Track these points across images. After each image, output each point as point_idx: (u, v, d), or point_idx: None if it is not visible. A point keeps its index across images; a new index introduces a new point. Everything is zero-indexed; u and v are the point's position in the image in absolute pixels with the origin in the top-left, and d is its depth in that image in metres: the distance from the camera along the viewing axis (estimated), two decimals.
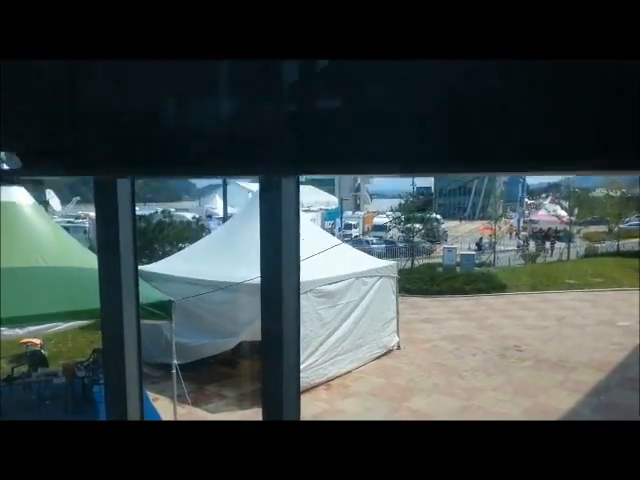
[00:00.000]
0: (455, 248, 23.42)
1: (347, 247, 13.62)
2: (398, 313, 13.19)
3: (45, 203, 29.40)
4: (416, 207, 57.81)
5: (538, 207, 70.47)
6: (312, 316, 10.49)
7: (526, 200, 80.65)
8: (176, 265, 12.08)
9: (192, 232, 16.25)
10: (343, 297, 11.38)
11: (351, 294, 11.60)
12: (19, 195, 9.09)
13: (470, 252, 23.78)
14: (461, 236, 40.13)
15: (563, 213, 35.94)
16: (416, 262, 25.14)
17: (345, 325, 11.38)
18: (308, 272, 9.32)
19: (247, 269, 8.90)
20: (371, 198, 66.93)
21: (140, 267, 8.61)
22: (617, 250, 30.59)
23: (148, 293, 8.42)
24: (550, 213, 37.43)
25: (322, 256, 10.86)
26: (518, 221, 36.60)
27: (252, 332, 9.62)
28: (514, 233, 37.29)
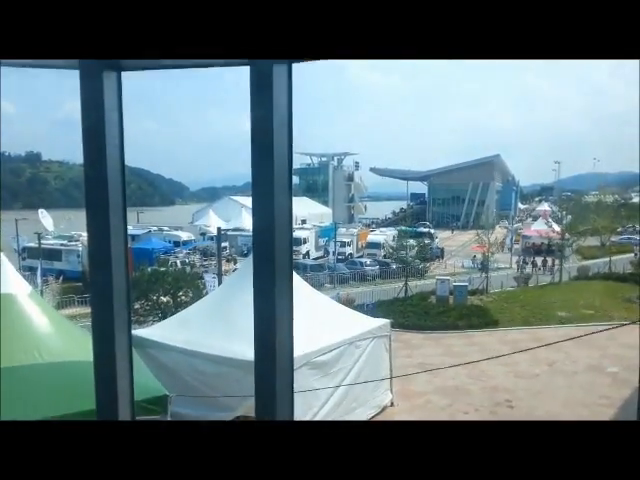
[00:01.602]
0: (448, 279, 23.58)
1: (340, 309, 13.68)
2: (391, 371, 13.34)
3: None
4: (410, 216, 57.86)
5: (531, 214, 71.03)
6: (305, 389, 10.62)
7: (519, 206, 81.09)
8: (172, 332, 12.17)
9: (187, 283, 16.28)
10: (336, 364, 11.51)
11: (344, 360, 11.72)
12: (16, 285, 9.11)
13: (463, 283, 23.94)
14: (455, 250, 40.50)
15: (555, 228, 36.28)
16: (410, 284, 25.19)
17: (339, 392, 11.52)
18: (301, 342, 9.45)
19: (244, 344, 9.02)
20: (365, 208, 67.06)
21: (136, 332, 8.63)
22: (609, 270, 30.87)
23: (142, 382, 8.49)
24: (542, 229, 37.68)
25: (315, 323, 11.03)
26: (511, 240, 36.79)
27: (249, 407, 9.74)
28: (506, 248, 37.52)
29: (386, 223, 63.57)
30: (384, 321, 13.68)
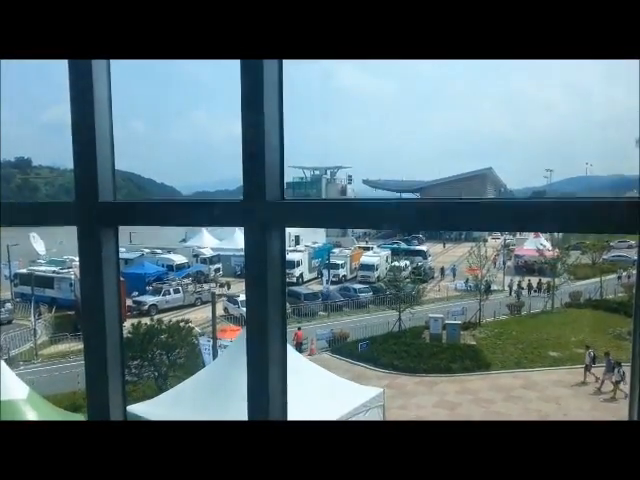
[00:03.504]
0: (441, 317, 23.72)
1: (333, 381, 13.66)
2: None
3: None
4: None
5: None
6: None
7: None
8: (168, 409, 12.16)
9: (181, 342, 16.31)
10: None
11: None
12: (13, 390, 9.03)
13: (455, 322, 24.10)
14: (447, 269, 40.58)
15: (547, 245, 36.58)
16: (404, 315, 25.20)
17: None
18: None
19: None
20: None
21: (131, 408, 8.57)
22: (600, 296, 31.12)
23: None
24: (534, 248, 37.92)
25: (311, 401, 11.06)
26: (503, 262, 37.04)
27: None
28: (498, 263, 37.71)
29: (379, 235, 63.77)
30: (378, 391, 13.74)
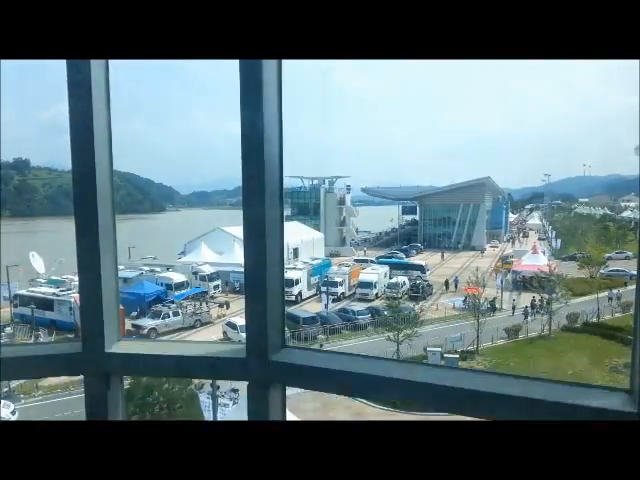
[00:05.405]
0: (439, 351, 23.84)
1: None
2: None
3: None
4: (401, 237, 57.54)
5: (522, 228, 71.73)
6: None
7: (510, 216, 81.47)
8: None
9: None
10: None
11: None
12: None
13: (453, 356, 24.23)
14: (448, 279, 40.63)
15: (545, 262, 36.82)
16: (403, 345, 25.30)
17: None
18: None
19: None
20: (357, 231, 67.02)
21: None
22: (598, 318, 31.24)
23: None
24: (532, 264, 38.09)
25: None
26: (501, 281, 37.21)
27: None
28: (497, 282, 37.78)
29: (377, 243, 63.97)
30: None
